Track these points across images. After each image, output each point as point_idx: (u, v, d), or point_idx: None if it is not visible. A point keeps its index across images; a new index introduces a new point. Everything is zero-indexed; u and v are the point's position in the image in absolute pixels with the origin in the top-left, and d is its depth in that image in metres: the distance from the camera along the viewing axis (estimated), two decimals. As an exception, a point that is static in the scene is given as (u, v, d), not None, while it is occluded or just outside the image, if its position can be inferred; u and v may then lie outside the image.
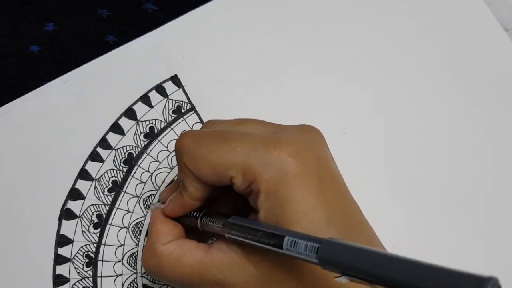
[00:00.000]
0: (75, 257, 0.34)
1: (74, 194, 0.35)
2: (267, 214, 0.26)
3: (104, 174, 0.35)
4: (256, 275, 0.26)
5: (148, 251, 0.29)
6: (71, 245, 0.34)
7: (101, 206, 0.35)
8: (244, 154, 0.26)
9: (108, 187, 0.35)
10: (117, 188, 0.35)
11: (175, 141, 0.36)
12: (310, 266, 0.25)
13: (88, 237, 0.34)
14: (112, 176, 0.35)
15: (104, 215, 0.35)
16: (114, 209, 0.35)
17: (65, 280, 0.33)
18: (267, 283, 0.26)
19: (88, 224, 0.34)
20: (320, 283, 0.25)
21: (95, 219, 0.34)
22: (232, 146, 0.26)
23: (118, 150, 0.36)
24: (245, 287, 0.26)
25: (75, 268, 0.33)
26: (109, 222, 0.34)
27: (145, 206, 0.35)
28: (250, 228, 0.25)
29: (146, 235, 0.34)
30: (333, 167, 0.28)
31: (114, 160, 0.36)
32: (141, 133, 0.36)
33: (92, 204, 0.35)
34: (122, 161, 0.36)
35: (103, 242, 0.34)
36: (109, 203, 0.35)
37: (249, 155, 0.26)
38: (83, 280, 0.33)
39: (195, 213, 0.30)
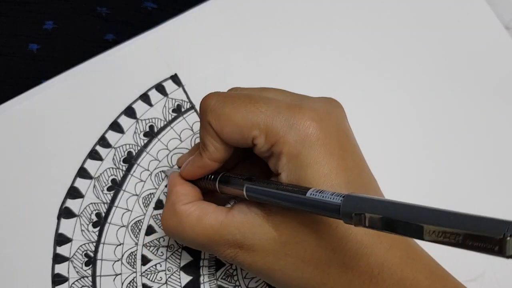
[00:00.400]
0: (74, 256, 0.33)
1: (73, 192, 0.34)
2: (289, 176, 0.26)
3: (103, 172, 0.35)
4: (276, 237, 0.27)
5: (168, 211, 0.29)
6: (70, 244, 0.34)
7: (100, 204, 0.34)
8: (268, 115, 0.26)
9: (108, 185, 0.35)
10: (116, 186, 0.35)
11: (175, 140, 0.36)
12: (329, 229, 0.25)
13: (87, 236, 0.34)
14: (112, 175, 0.35)
15: (103, 214, 0.34)
16: (114, 208, 0.34)
17: (64, 279, 0.33)
18: (285, 245, 0.26)
19: (87, 223, 0.34)
20: (339, 244, 0.25)
21: (94, 218, 0.34)
22: (257, 107, 0.27)
23: (118, 148, 0.36)
24: (264, 248, 0.27)
25: (74, 267, 0.33)
26: (108, 220, 0.34)
27: (144, 204, 0.35)
28: (273, 185, 0.26)
29: (146, 234, 0.34)
30: (352, 138, 0.28)
31: (113, 158, 0.35)
32: (140, 131, 0.36)
33: (91, 203, 0.34)
34: (121, 159, 0.35)
35: (102, 241, 0.34)
36: (109, 201, 0.35)
37: (273, 117, 0.26)
38: (82, 279, 0.33)
39: (212, 176, 0.30)
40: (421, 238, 0.19)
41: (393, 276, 0.25)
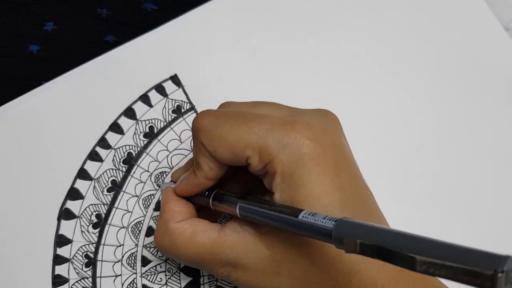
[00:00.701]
0: (74, 257, 0.33)
1: (73, 194, 0.35)
2: (282, 196, 0.26)
3: (103, 173, 0.35)
4: (269, 256, 0.26)
5: (161, 229, 0.29)
6: (70, 245, 0.34)
7: (100, 206, 0.35)
8: (261, 135, 0.26)
9: (108, 186, 0.35)
10: (116, 187, 0.35)
11: (175, 140, 0.36)
12: (322, 248, 0.25)
13: (87, 237, 0.34)
14: (112, 176, 0.35)
15: (103, 215, 0.34)
16: (114, 209, 0.35)
17: (64, 280, 0.33)
18: (279, 264, 0.26)
19: (87, 224, 0.34)
20: (331, 263, 0.25)
21: (94, 219, 0.34)
22: (250, 127, 0.26)
23: (118, 149, 0.36)
24: (257, 267, 0.27)
25: (74, 268, 0.33)
26: (109, 222, 0.34)
27: (144, 206, 0.35)
28: (265, 206, 0.26)
29: (146, 235, 0.34)
30: (348, 153, 0.28)
31: (113, 159, 0.35)
32: (140, 132, 0.36)
33: (91, 204, 0.34)
34: (121, 160, 0.35)
35: (102, 242, 0.34)
36: (109, 203, 0.35)
37: (267, 136, 0.26)
38: (82, 280, 0.33)
39: (207, 193, 0.30)
40: (414, 269, 0.18)
41: None
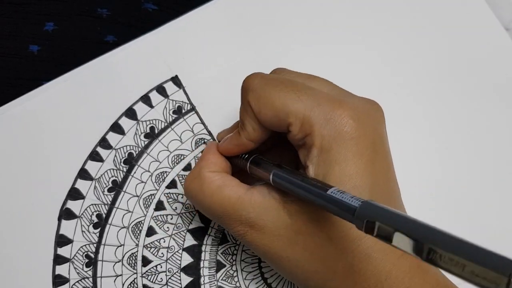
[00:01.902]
0: (75, 257, 0.33)
1: (74, 193, 0.34)
2: (316, 170, 0.26)
3: (104, 173, 0.35)
4: (288, 224, 0.27)
5: (193, 173, 0.30)
6: (70, 245, 0.34)
7: (101, 206, 0.34)
8: (307, 105, 0.26)
9: (108, 187, 0.35)
10: (117, 188, 0.35)
11: (175, 141, 0.36)
12: (343, 228, 0.25)
13: (88, 237, 0.34)
14: (112, 176, 0.35)
15: (104, 215, 0.34)
16: (114, 209, 0.35)
17: (65, 280, 0.33)
18: (297, 234, 0.26)
19: (88, 224, 0.34)
20: (350, 245, 0.25)
21: (95, 219, 0.34)
22: (298, 95, 0.27)
23: (118, 150, 0.36)
24: (274, 232, 0.27)
25: (75, 268, 0.33)
26: (109, 222, 0.34)
27: (145, 206, 0.35)
28: (298, 177, 0.26)
29: (146, 235, 0.34)
30: (386, 144, 0.28)
31: (114, 159, 0.35)
32: (141, 133, 0.36)
33: (92, 204, 0.34)
34: (122, 160, 0.35)
35: (103, 242, 0.34)
36: (109, 203, 0.35)
37: (312, 108, 0.26)
38: (82, 280, 0.33)
39: (246, 155, 0.30)
40: (430, 262, 0.18)
41: (400, 285, 0.25)
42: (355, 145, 0.26)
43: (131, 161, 0.35)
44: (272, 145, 0.31)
